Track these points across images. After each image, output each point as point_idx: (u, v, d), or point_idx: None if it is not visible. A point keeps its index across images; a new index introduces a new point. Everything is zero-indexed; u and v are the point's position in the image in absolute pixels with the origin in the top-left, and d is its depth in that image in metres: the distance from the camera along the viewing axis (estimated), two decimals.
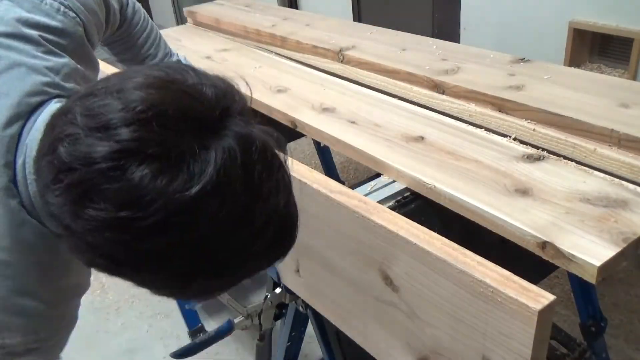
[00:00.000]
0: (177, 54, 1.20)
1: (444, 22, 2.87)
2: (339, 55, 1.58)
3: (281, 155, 0.55)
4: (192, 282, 0.53)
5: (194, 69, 0.55)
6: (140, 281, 0.54)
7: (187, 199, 0.47)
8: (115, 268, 0.52)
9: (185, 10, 2.40)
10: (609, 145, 1.02)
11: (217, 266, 0.53)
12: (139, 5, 1.09)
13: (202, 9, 2.32)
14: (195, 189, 0.47)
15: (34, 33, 0.71)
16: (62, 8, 0.76)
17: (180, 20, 5.33)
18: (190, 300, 0.75)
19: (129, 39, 1.07)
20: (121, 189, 0.46)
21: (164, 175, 0.47)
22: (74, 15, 0.77)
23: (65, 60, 0.72)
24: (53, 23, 0.74)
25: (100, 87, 0.52)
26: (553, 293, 0.64)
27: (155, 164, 0.47)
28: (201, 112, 0.50)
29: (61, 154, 0.48)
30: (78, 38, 0.77)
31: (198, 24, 2.31)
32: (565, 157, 1.03)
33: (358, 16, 3.47)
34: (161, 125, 0.48)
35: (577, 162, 1.02)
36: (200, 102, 0.51)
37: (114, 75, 0.56)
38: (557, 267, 0.91)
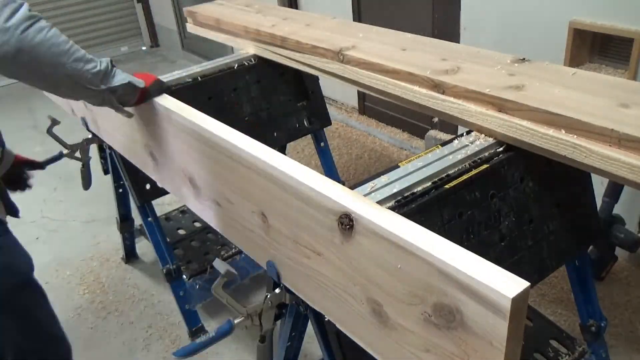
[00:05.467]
0: None
1: (444, 22, 2.87)
2: (339, 55, 1.58)
3: None
4: None
5: None
6: None
7: None
8: None
9: (185, 10, 2.39)
10: (609, 145, 1.02)
11: None
12: None
13: (202, 9, 2.32)
14: None
15: None
16: None
17: (181, 20, 5.33)
18: None
19: None
20: None
21: None
22: None
23: None
24: None
25: None
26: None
27: None
28: None
29: None
30: None
31: (198, 24, 2.31)
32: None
33: (358, 16, 3.47)
34: None
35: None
36: None
37: None
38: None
